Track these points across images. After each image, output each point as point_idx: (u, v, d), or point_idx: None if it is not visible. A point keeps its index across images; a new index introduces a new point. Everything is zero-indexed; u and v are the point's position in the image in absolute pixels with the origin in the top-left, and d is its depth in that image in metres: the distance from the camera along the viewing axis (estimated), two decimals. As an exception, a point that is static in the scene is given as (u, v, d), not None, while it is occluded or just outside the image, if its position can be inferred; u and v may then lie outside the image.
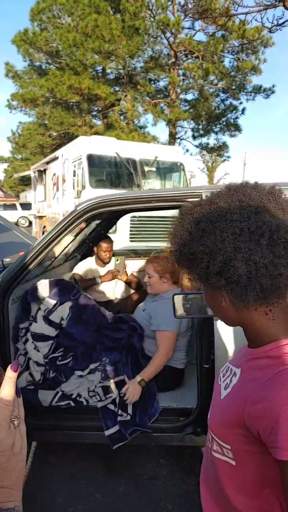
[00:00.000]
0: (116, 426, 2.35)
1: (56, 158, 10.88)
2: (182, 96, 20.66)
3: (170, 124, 19.87)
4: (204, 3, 15.48)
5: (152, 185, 9.23)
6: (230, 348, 2.12)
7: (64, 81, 17.51)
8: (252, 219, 0.79)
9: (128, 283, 4.10)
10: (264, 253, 0.77)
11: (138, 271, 4.28)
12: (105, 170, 9.06)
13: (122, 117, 20.65)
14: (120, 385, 2.48)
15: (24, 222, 22.67)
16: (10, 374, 0.60)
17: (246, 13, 10.38)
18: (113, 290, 4.10)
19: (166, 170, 9.75)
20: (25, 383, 2.46)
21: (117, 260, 3.89)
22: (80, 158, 8.57)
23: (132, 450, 2.36)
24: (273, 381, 0.76)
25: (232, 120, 21.04)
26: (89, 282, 3.84)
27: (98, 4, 16.35)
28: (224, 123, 21.16)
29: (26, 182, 30.18)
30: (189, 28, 18.74)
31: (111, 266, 4.01)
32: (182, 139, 22.25)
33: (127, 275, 3.92)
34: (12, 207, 24.24)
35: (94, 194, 6.41)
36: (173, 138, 20.40)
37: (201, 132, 21.71)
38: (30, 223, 18.78)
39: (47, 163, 12.07)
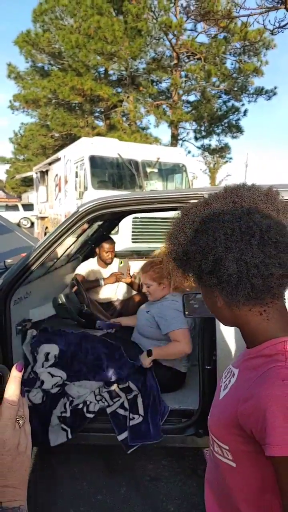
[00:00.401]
0: (128, 430, 2.37)
1: (58, 159, 10.89)
2: (184, 97, 20.74)
3: (172, 126, 19.90)
4: (206, 5, 15.52)
5: (154, 186, 9.24)
6: (232, 349, 2.12)
7: (66, 82, 17.54)
8: (244, 219, 0.80)
9: (130, 284, 4.10)
10: (254, 253, 0.78)
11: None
12: (107, 171, 9.07)
13: (124, 119, 20.66)
14: (124, 390, 2.49)
15: (26, 223, 22.70)
16: (15, 374, 0.60)
17: (248, 15, 10.38)
18: (115, 291, 4.11)
19: (168, 171, 9.76)
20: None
21: (121, 263, 3.90)
22: (83, 159, 8.58)
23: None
24: (262, 378, 0.77)
25: (234, 122, 21.05)
26: (92, 284, 3.85)
27: (100, 6, 16.38)
28: (226, 125, 21.18)
29: (28, 183, 30.22)
30: (191, 30, 18.83)
31: (113, 267, 4.02)
32: (184, 140, 22.33)
33: (130, 277, 3.93)
34: (14, 208, 24.28)
35: (96, 195, 6.43)
36: (175, 140, 20.42)
37: (203, 133, 21.73)
38: (32, 224, 18.79)
39: (49, 164, 12.09)
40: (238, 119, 20.98)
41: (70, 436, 2.37)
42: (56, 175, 11.10)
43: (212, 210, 0.85)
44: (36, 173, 13.99)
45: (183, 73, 19.72)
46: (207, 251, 0.82)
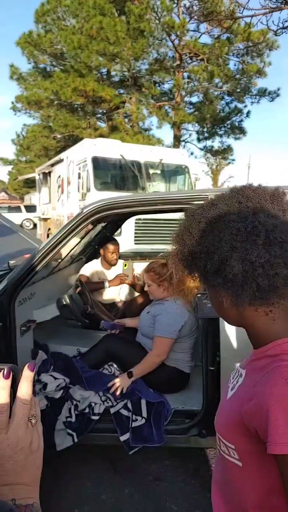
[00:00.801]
0: (130, 431, 2.38)
1: (61, 161, 10.88)
2: (187, 98, 20.72)
3: (175, 127, 19.89)
4: (209, 6, 15.53)
5: (157, 187, 9.23)
6: (236, 350, 2.12)
7: (68, 83, 17.55)
8: (249, 219, 0.80)
9: (132, 286, 4.11)
10: (260, 253, 0.78)
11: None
12: (110, 173, 9.07)
13: (126, 120, 20.67)
14: (129, 392, 2.50)
15: (28, 224, 22.74)
16: (27, 373, 0.60)
17: (252, 16, 10.32)
18: (118, 292, 4.12)
19: (170, 172, 9.74)
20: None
21: (125, 265, 3.91)
22: (85, 161, 8.58)
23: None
24: (266, 377, 0.77)
25: (236, 123, 21.05)
26: (97, 286, 3.86)
27: (103, 6, 16.40)
28: (229, 126, 21.15)
29: (30, 184, 30.20)
30: (194, 31, 18.82)
31: (117, 268, 4.03)
32: (187, 141, 22.32)
33: (134, 279, 3.95)
34: (17, 209, 24.32)
35: (99, 196, 6.41)
36: (177, 141, 20.41)
37: (206, 135, 21.72)
38: (35, 225, 18.82)
39: (52, 165, 12.07)
40: (241, 121, 21.01)
41: (76, 440, 2.38)
42: (59, 176, 11.09)
43: (218, 210, 0.86)
44: (39, 175, 13.99)
45: (185, 74, 19.70)
46: (213, 251, 0.82)
